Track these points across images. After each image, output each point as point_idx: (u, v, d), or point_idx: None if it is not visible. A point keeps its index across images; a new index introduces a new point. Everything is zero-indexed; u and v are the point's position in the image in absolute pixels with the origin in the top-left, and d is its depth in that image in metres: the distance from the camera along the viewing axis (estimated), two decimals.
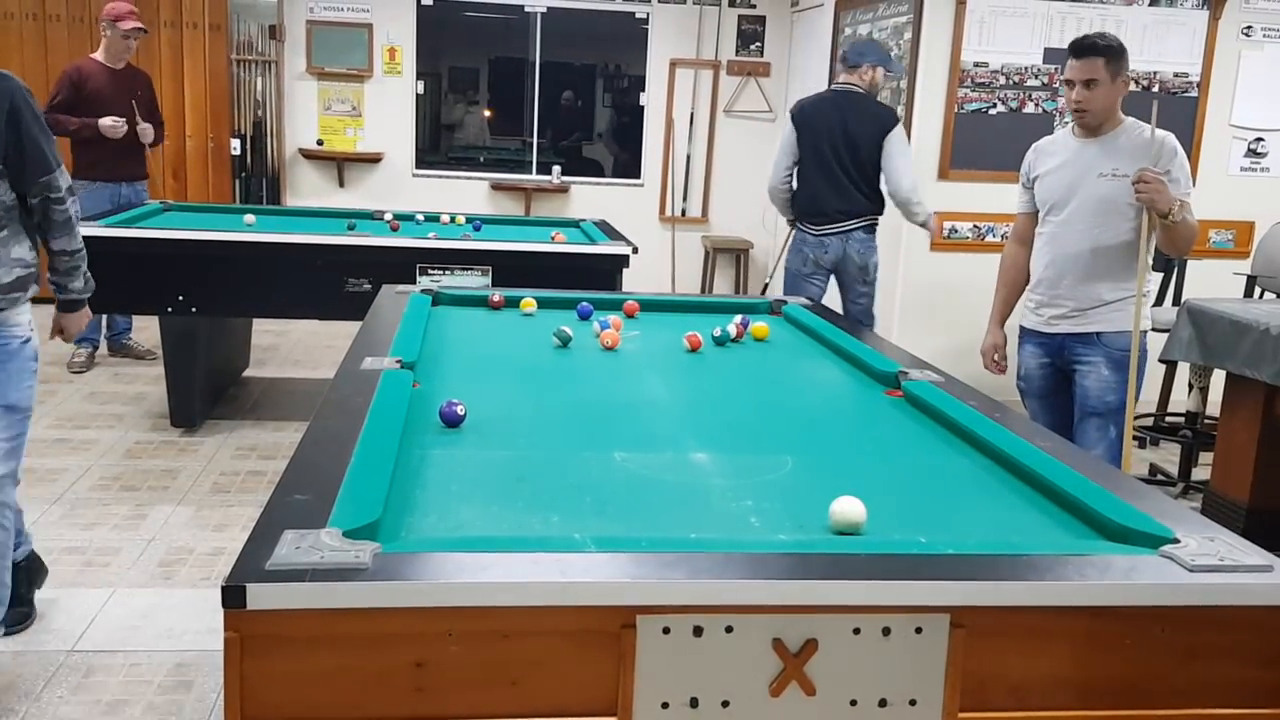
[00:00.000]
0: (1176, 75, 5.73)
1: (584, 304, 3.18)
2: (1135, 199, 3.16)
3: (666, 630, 1.29)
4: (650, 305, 3.36)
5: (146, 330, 5.88)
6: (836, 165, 4.69)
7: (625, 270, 4.69)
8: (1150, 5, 5.65)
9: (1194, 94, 5.77)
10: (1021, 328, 3.55)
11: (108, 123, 5.38)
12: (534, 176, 8.15)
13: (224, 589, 1.22)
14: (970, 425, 2.04)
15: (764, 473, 1.84)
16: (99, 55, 5.61)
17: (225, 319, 5.19)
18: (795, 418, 2.26)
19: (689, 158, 8.13)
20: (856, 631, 1.32)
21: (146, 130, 5.58)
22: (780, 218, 5.13)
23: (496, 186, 8.05)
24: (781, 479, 1.82)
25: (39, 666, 2.80)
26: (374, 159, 7.89)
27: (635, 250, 4.71)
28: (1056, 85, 5.68)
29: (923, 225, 4.90)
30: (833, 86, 4.92)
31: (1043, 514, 1.69)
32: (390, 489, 1.56)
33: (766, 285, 5.59)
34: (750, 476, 1.81)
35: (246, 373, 5.81)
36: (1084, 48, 3.23)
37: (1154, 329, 4.35)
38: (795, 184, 4.85)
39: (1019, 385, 3.60)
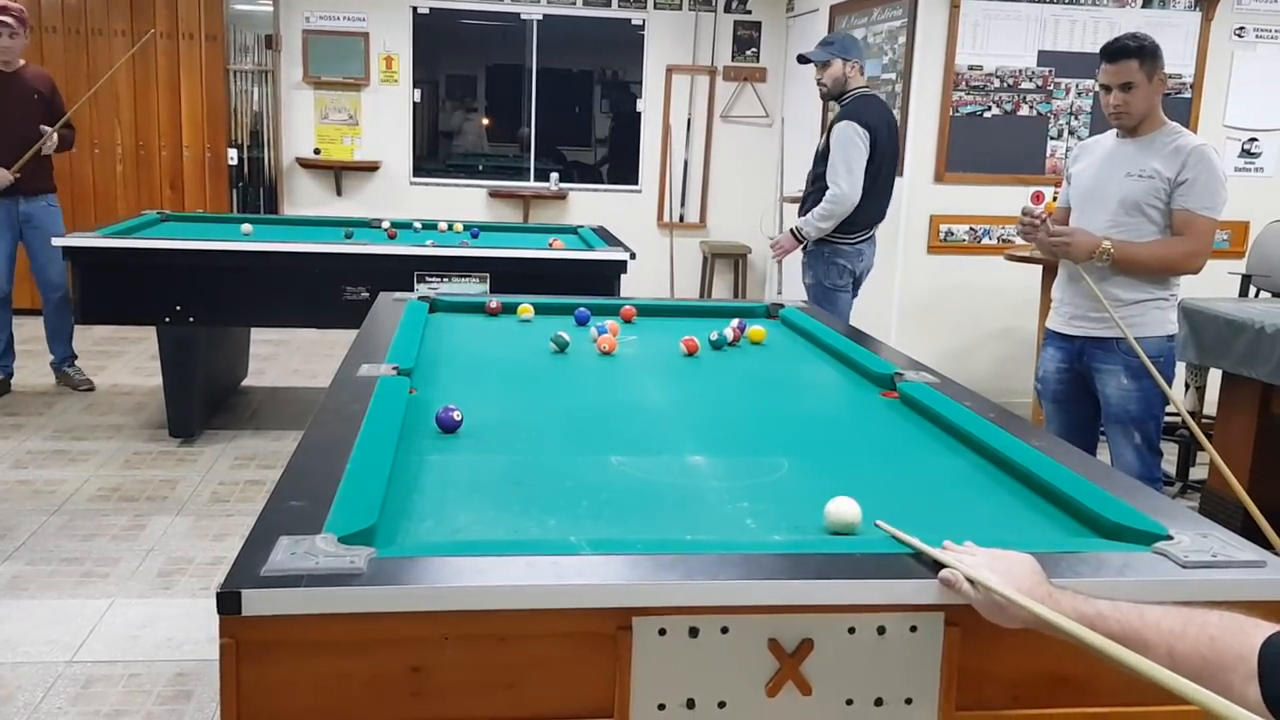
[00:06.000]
0: (1170, 76, 5.71)
1: (581, 309, 3.18)
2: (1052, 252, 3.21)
3: (662, 631, 1.29)
4: (647, 310, 3.36)
5: (144, 341, 5.88)
6: (886, 171, 4.62)
7: (624, 276, 4.69)
8: (1143, 7, 5.66)
9: (1187, 95, 5.78)
10: (1046, 330, 3.54)
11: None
12: (532, 183, 8.16)
13: (219, 595, 1.22)
14: (965, 425, 2.04)
15: (760, 475, 1.84)
16: None
17: (223, 329, 5.19)
18: (791, 420, 2.26)
19: (686, 163, 8.15)
20: (852, 631, 1.32)
21: (51, 141, 5.23)
22: (771, 222, 5.05)
23: (494, 194, 8.07)
24: (778, 481, 1.82)
25: (38, 677, 2.80)
26: (371, 167, 7.90)
27: (633, 256, 4.71)
28: (1050, 88, 5.70)
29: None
30: (868, 91, 4.70)
31: (1037, 512, 1.69)
32: (386, 494, 1.56)
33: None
34: (746, 479, 1.81)
35: (245, 382, 5.81)
36: (1116, 50, 3.14)
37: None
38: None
39: (1036, 387, 3.59)
